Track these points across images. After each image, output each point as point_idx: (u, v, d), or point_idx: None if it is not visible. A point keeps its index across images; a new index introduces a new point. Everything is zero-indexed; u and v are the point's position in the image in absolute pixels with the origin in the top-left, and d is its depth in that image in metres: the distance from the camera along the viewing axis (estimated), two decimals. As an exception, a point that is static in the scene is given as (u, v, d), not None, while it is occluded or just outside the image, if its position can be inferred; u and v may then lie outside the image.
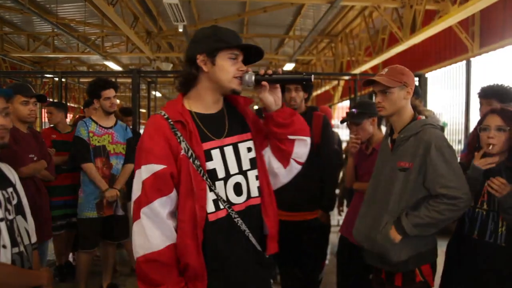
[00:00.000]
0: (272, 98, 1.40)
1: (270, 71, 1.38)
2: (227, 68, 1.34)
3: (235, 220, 1.33)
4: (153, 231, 1.25)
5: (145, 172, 1.27)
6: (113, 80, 7.23)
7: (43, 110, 6.43)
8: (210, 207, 1.30)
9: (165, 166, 1.27)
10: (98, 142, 3.04)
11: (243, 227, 1.34)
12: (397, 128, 1.84)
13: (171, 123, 1.31)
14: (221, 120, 1.41)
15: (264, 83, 1.37)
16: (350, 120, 2.47)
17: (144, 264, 1.25)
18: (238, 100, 1.48)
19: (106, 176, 3.04)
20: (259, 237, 1.40)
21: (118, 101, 3.59)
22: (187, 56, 1.38)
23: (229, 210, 1.32)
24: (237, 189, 1.36)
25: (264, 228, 1.42)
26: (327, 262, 4.03)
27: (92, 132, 3.02)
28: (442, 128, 1.83)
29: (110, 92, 3.05)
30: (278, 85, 1.40)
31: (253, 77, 1.36)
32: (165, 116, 1.32)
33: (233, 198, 1.35)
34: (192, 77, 1.36)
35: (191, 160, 1.29)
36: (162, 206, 1.26)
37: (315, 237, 2.78)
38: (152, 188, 1.26)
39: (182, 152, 1.29)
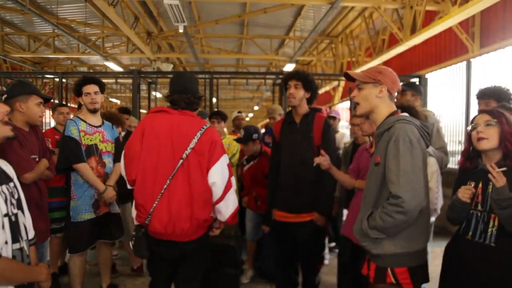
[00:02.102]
0: None
1: None
2: None
3: None
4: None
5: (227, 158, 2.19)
6: (114, 80, 7.29)
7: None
8: None
9: None
10: (90, 141, 2.94)
11: None
12: (377, 125, 1.86)
13: None
14: None
15: None
16: None
17: (236, 208, 2.20)
18: None
19: (101, 175, 2.96)
20: None
21: (118, 101, 3.56)
22: (196, 91, 2.25)
23: None
24: None
25: None
26: (326, 262, 4.04)
27: (83, 131, 2.90)
28: (425, 126, 1.77)
29: (90, 88, 2.92)
30: None
31: None
32: None
33: None
34: (199, 105, 2.29)
35: None
36: None
37: (310, 238, 2.78)
38: None
39: None
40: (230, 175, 2.14)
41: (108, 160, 3.03)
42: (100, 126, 3.04)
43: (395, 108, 1.84)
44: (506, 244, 1.71)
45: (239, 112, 4.79)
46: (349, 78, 1.90)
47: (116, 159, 3.10)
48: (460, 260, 1.85)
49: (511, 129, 1.74)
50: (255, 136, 3.52)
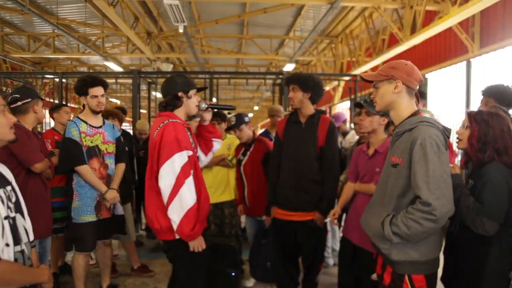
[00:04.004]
0: (208, 116, 2.44)
1: (209, 102, 2.50)
2: (194, 100, 2.31)
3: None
4: (192, 192, 2.10)
5: (186, 154, 2.11)
6: (113, 80, 7.30)
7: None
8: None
9: (193, 153, 2.18)
10: (91, 142, 2.89)
11: None
12: (396, 124, 1.80)
13: (186, 127, 2.23)
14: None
15: (208, 109, 2.42)
16: (367, 107, 2.42)
17: (190, 212, 2.05)
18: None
19: (103, 176, 2.93)
20: None
21: (118, 101, 3.59)
22: (172, 92, 2.25)
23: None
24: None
25: None
26: (332, 263, 4.03)
27: (84, 133, 2.86)
28: (447, 130, 1.73)
29: (98, 90, 2.88)
30: (210, 110, 2.45)
31: (205, 105, 2.39)
32: (181, 123, 2.21)
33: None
34: (177, 105, 2.26)
35: (195, 149, 2.28)
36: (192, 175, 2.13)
37: (311, 238, 2.80)
38: (190, 165, 2.13)
39: (193, 144, 2.25)
40: (183, 176, 2.05)
41: (109, 161, 3.00)
42: (100, 126, 3.00)
43: (416, 108, 1.77)
44: (465, 235, 1.85)
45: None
46: (366, 80, 1.87)
47: (118, 160, 3.08)
48: (446, 250, 1.99)
49: (477, 133, 1.85)
50: (246, 119, 3.47)
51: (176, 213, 2.04)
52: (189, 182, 2.08)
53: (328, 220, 2.85)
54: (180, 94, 2.25)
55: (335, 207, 2.66)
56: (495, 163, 1.79)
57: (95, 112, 2.94)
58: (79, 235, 2.89)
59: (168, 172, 2.05)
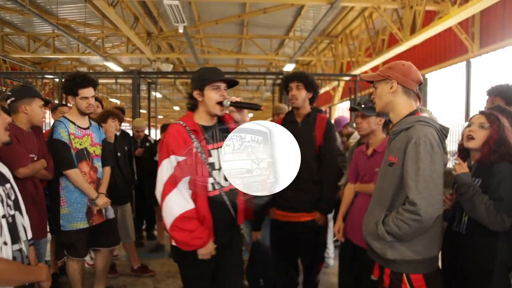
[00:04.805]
0: (239, 116, 2.07)
1: (237, 99, 2.03)
2: (211, 97, 1.98)
3: (223, 197, 2.00)
4: (183, 199, 1.89)
5: (175, 160, 1.89)
6: (113, 80, 7.30)
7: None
8: (210, 187, 1.97)
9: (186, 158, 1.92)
10: (80, 144, 2.74)
11: (227, 202, 2.01)
12: (394, 123, 1.81)
13: (188, 129, 1.97)
14: (214, 130, 2.06)
15: (231, 108, 2.04)
16: (361, 110, 2.46)
17: (181, 220, 1.86)
18: (225, 116, 2.14)
19: (94, 181, 2.79)
20: (235, 209, 2.07)
21: (118, 101, 3.50)
22: (188, 93, 2.06)
23: (220, 190, 1.99)
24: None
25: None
26: (332, 263, 4.03)
27: (72, 134, 2.71)
28: (445, 129, 1.73)
29: (88, 91, 2.72)
30: (234, 109, 2.06)
31: (228, 102, 2.00)
32: (184, 125, 1.98)
33: (223, 182, 2.00)
34: (194, 105, 2.04)
35: (200, 155, 1.95)
36: (187, 181, 1.92)
37: (311, 238, 2.79)
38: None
39: (195, 149, 1.94)
40: (172, 183, 1.89)
41: (98, 164, 2.88)
42: (88, 128, 2.87)
43: (414, 107, 1.76)
44: (474, 232, 1.87)
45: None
46: (367, 80, 1.90)
47: (104, 163, 2.95)
48: (446, 249, 1.97)
49: (496, 136, 1.87)
50: None
51: (167, 222, 1.89)
52: (180, 188, 1.89)
53: (330, 218, 2.85)
54: (195, 93, 1.99)
55: (337, 219, 2.63)
56: (505, 162, 1.84)
57: (83, 114, 2.81)
58: (69, 243, 2.75)
59: (159, 179, 1.91)
